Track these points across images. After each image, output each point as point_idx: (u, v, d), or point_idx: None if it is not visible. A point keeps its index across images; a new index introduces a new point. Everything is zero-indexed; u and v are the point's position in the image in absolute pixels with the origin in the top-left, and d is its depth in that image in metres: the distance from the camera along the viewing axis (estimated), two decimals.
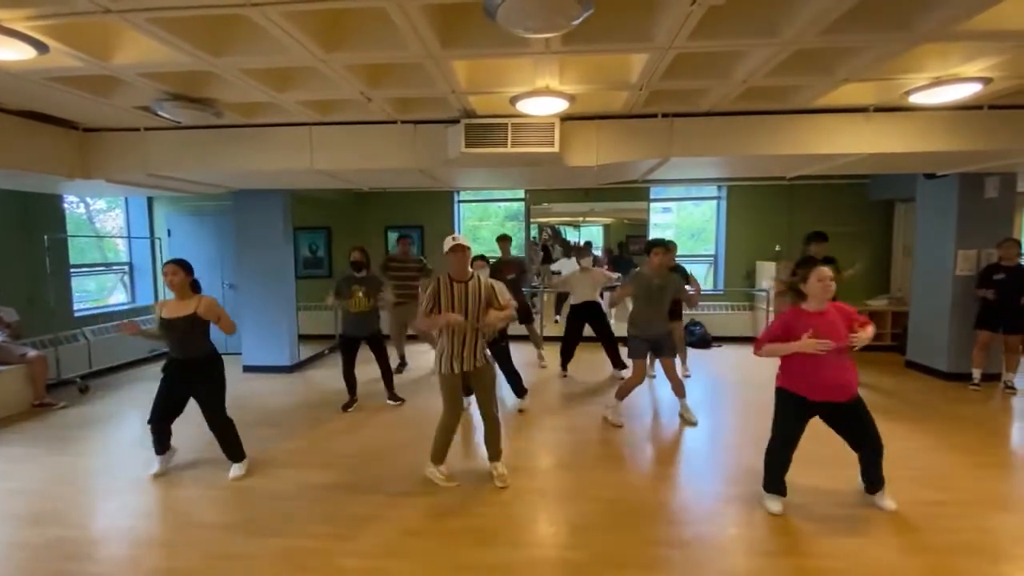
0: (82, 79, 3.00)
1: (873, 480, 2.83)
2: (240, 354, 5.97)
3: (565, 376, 5.53)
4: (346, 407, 4.55)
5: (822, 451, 3.10)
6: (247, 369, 5.90)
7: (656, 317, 4.00)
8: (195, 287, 3.20)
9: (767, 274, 6.83)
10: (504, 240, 5.84)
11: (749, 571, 2.35)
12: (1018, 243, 4.82)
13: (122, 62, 2.67)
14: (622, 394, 4.10)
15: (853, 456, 2.81)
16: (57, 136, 3.97)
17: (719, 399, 4.87)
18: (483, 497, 3.00)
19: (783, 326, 2.68)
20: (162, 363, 3.25)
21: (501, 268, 5.35)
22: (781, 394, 2.79)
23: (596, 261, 6.13)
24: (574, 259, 5.70)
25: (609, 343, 5.36)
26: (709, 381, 5.41)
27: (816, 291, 2.62)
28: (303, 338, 6.37)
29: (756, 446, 2.91)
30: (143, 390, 5.29)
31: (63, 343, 5.44)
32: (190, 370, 3.17)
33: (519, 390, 4.51)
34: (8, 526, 2.78)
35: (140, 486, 3.18)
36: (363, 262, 4.52)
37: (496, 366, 3.24)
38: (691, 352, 6.12)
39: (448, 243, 2.93)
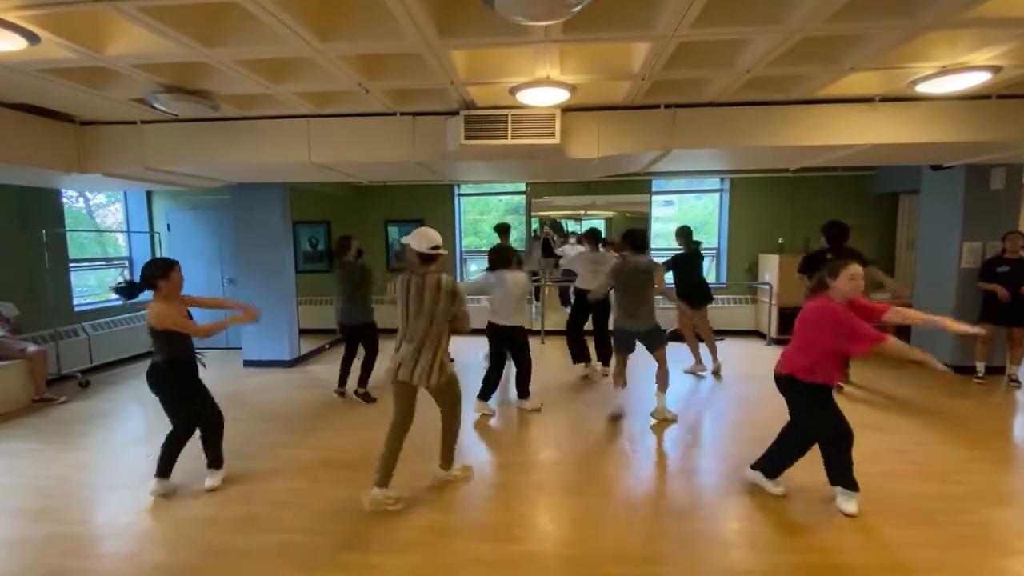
0: (76, 70, 2.96)
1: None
2: (240, 349, 5.97)
3: (586, 376, 5.16)
4: (337, 392, 4.76)
5: None
6: (247, 364, 5.89)
7: (639, 306, 3.93)
8: (152, 287, 2.88)
9: (769, 267, 6.78)
10: (502, 230, 5.58)
11: (751, 566, 2.33)
12: (1023, 236, 4.77)
13: (115, 53, 2.63)
14: (618, 380, 4.21)
15: (856, 451, 2.77)
16: (54, 130, 3.93)
17: (720, 392, 4.84)
18: (483, 492, 2.99)
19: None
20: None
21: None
22: (815, 389, 2.64)
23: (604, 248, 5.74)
24: (578, 246, 5.48)
25: (602, 338, 5.14)
26: (709, 374, 5.38)
27: (848, 290, 2.54)
28: (303, 333, 6.35)
29: (758, 440, 2.88)
30: (143, 385, 5.26)
31: (63, 338, 5.44)
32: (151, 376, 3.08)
33: (524, 390, 4.37)
34: (8, 521, 2.78)
35: (140, 482, 3.15)
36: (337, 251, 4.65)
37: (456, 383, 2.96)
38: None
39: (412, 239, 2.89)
